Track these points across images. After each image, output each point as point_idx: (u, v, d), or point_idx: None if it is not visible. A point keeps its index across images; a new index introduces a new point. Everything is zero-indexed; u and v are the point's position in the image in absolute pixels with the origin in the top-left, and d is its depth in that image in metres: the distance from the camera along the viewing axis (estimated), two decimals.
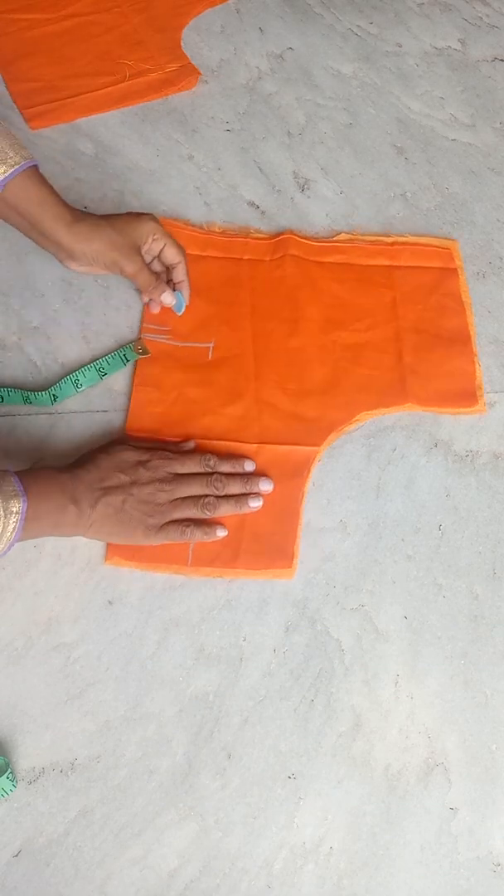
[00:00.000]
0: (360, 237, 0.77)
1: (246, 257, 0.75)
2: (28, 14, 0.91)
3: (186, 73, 0.88)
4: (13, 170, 0.60)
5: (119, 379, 0.67)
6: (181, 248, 0.68)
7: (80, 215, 0.64)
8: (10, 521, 0.51)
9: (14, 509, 0.51)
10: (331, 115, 0.88)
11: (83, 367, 0.67)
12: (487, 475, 0.65)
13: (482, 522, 0.63)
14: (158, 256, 0.68)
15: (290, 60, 0.92)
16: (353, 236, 0.77)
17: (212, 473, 0.61)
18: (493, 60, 0.95)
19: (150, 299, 0.69)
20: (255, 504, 0.61)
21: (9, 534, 0.51)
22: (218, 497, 0.60)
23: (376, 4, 0.99)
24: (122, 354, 0.68)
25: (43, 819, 0.51)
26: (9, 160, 0.60)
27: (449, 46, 0.95)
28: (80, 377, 0.66)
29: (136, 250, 0.65)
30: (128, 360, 0.68)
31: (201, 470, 0.61)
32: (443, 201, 0.81)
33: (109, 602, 0.58)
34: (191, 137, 0.84)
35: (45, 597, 0.58)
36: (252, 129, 0.86)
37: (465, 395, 0.68)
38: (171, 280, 0.69)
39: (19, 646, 0.56)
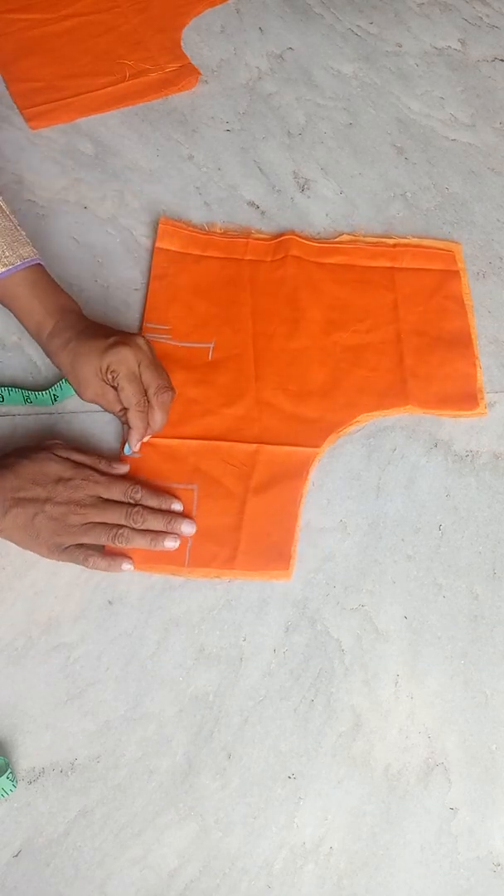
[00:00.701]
0: (362, 238, 0.77)
1: (247, 258, 0.75)
2: (28, 14, 0.91)
3: (186, 73, 0.88)
4: (4, 270, 0.60)
5: None
6: (137, 394, 0.59)
7: (60, 329, 0.61)
8: None
9: None
10: (331, 115, 0.88)
11: None
12: (487, 475, 0.65)
13: (482, 522, 0.63)
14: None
15: (290, 60, 0.92)
16: (354, 237, 0.77)
17: (134, 505, 0.58)
18: (493, 60, 0.95)
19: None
20: (171, 544, 0.58)
21: None
22: (133, 530, 0.57)
23: (376, 4, 0.99)
24: None
25: (43, 819, 0.51)
26: (3, 259, 0.60)
27: (449, 46, 0.95)
28: None
29: (91, 382, 0.60)
30: None
31: (124, 499, 0.58)
32: (443, 201, 0.81)
33: (109, 602, 0.58)
34: (191, 137, 0.84)
35: (45, 597, 0.58)
36: (252, 129, 0.86)
37: (466, 397, 0.68)
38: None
39: (19, 646, 0.56)
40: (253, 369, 0.68)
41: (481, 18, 0.99)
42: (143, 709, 0.55)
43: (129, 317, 0.71)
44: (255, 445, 0.65)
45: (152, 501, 0.60)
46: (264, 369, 0.69)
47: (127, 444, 0.62)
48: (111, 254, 0.75)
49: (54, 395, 0.65)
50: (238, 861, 0.51)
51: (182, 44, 0.91)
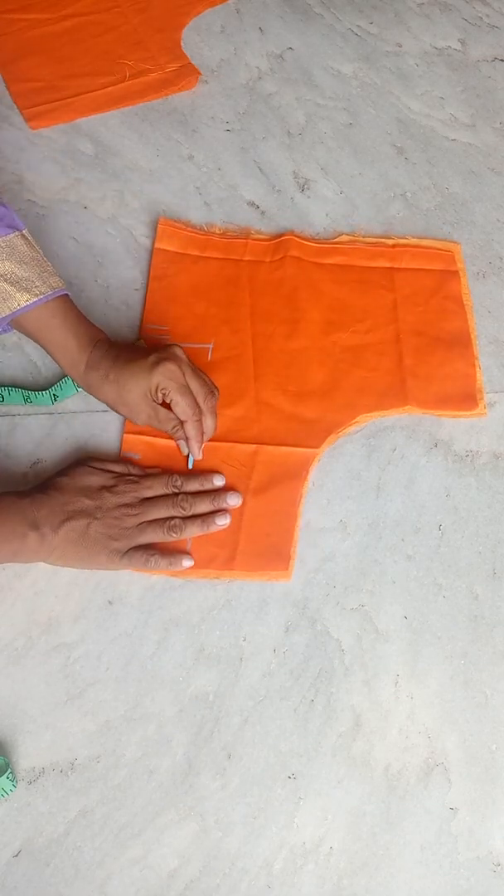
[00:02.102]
0: (361, 238, 0.77)
1: (246, 258, 0.75)
2: (28, 14, 0.91)
3: (186, 73, 0.88)
4: (36, 300, 0.59)
5: None
6: (202, 399, 0.60)
7: (96, 361, 0.60)
8: None
9: None
10: (331, 115, 0.88)
11: None
12: (487, 475, 0.65)
13: (482, 522, 0.63)
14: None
15: (290, 60, 0.92)
16: (353, 238, 0.77)
17: (178, 494, 0.59)
18: (493, 60, 0.95)
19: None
20: (222, 522, 0.60)
21: None
22: (184, 518, 0.59)
23: (376, 4, 0.99)
24: None
25: (43, 819, 0.51)
26: (33, 289, 0.59)
27: (449, 46, 0.95)
28: None
29: (142, 406, 0.60)
30: None
31: (168, 491, 0.60)
32: (443, 201, 0.81)
33: (109, 602, 0.58)
34: (191, 137, 0.84)
35: (45, 597, 0.58)
36: (252, 129, 0.86)
37: (466, 398, 0.68)
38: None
39: (19, 646, 0.56)
40: (252, 370, 0.68)
41: (481, 18, 0.99)
42: (143, 709, 0.55)
43: (129, 317, 0.71)
44: (254, 446, 0.65)
45: (194, 484, 0.61)
46: (263, 370, 0.69)
47: (190, 457, 0.63)
48: (111, 254, 0.75)
49: (54, 394, 0.65)
50: (238, 861, 0.51)
51: (182, 44, 0.91)
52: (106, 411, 0.66)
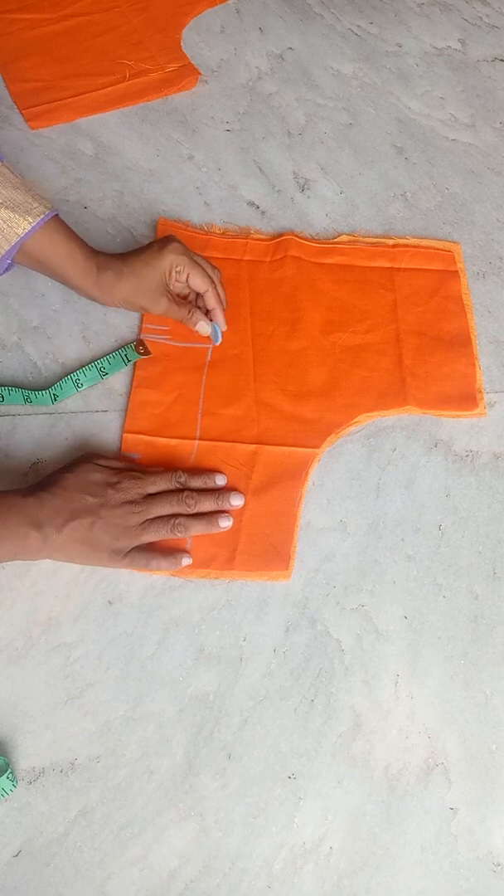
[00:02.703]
0: (361, 238, 0.77)
1: (246, 258, 0.75)
2: (28, 14, 0.91)
3: (186, 73, 0.88)
4: (38, 220, 0.60)
5: (119, 379, 0.67)
6: (210, 272, 0.66)
7: (105, 263, 0.64)
8: None
9: None
10: (331, 115, 0.88)
11: (84, 366, 0.67)
12: (487, 475, 0.65)
13: (482, 522, 0.63)
14: (186, 282, 0.66)
15: (290, 60, 0.92)
16: (353, 238, 0.77)
17: (182, 490, 0.59)
18: (493, 60, 0.95)
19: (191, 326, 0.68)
20: (226, 524, 0.59)
21: None
22: (189, 516, 0.59)
23: (376, 4, 0.99)
24: (123, 354, 0.68)
25: (43, 819, 0.51)
26: (33, 210, 0.60)
27: (449, 46, 0.95)
28: (81, 377, 0.66)
29: (161, 290, 0.64)
30: (129, 361, 0.68)
31: (172, 487, 0.59)
32: (443, 201, 0.81)
33: (109, 602, 0.58)
34: (191, 137, 0.84)
35: (45, 597, 0.58)
36: (252, 129, 0.86)
37: (466, 398, 0.68)
38: (203, 307, 0.68)
39: (19, 646, 0.56)
40: (252, 370, 0.68)
41: (481, 18, 0.99)
42: (143, 709, 0.55)
43: (129, 317, 0.71)
44: (254, 446, 0.65)
45: (197, 482, 0.61)
46: (263, 370, 0.69)
47: (217, 331, 0.66)
48: None
49: (54, 394, 0.65)
50: (238, 861, 0.51)
51: (182, 44, 0.91)
52: (106, 411, 0.66)
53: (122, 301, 0.65)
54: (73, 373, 0.66)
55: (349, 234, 0.77)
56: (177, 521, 0.58)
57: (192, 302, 0.68)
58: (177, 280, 0.65)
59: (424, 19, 0.98)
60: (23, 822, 0.51)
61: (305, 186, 0.81)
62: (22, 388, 0.66)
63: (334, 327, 0.71)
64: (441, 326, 0.72)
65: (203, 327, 0.66)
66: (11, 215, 0.59)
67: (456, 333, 0.72)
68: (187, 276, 0.65)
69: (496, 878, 0.51)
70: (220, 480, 0.62)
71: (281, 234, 0.76)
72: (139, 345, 0.68)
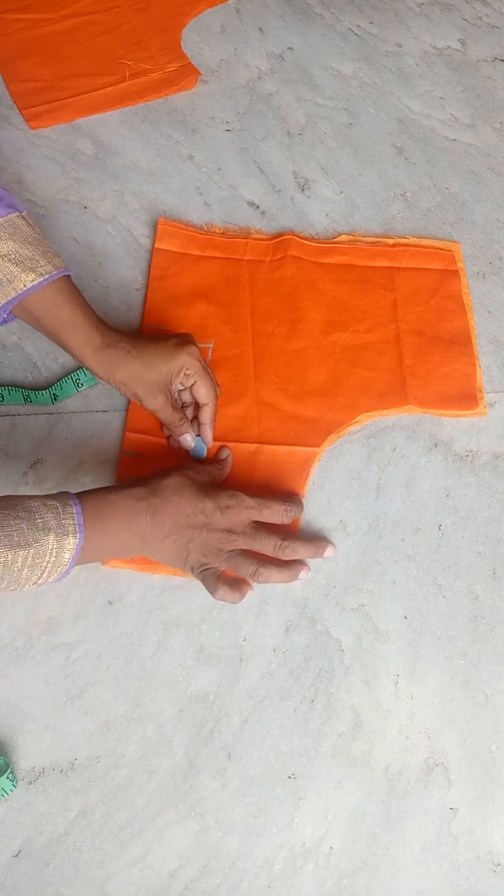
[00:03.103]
0: (361, 238, 0.77)
1: (246, 258, 0.75)
2: (28, 14, 0.91)
3: (186, 73, 0.88)
4: (42, 279, 0.57)
5: None
6: (213, 387, 0.62)
7: (112, 340, 0.59)
8: (64, 557, 0.49)
9: (69, 546, 0.49)
10: (331, 115, 0.88)
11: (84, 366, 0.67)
12: (487, 475, 0.65)
13: (482, 522, 0.63)
14: (190, 389, 0.63)
15: (290, 60, 0.92)
16: (353, 237, 0.77)
17: (285, 539, 0.57)
18: (493, 60, 0.95)
19: (170, 435, 0.64)
20: (305, 576, 0.58)
21: (61, 567, 0.49)
22: (274, 566, 0.57)
23: (376, 4, 0.99)
24: None
25: (43, 819, 0.51)
26: (39, 269, 0.57)
27: (449, 46, 0.95)
28: (82, 376, 0.66)
29: (163, 386, 0.60)
30: None
31: (280, 520, 0.58)
32: (443, 201, 0.81)
33: (109, 602, 0.58)
34: (191, 137, 0.84)
35: (45, 597, 0.58)
36: (252, 129, 0.86)
37: (466, 397, 0.68)
38: (196, 418, 0.64)
39: (19, 646, 0.56)
40: (252, 369, 0.68)
41: (481, 18, 0.99)
42: (143, 709, 0.55)
43: (129, 317, 0.71)
44: (254, 445, 0.65)
45: (299, 516, 0.61)
46: (264, 369, 0.69)
47: (199, 446, 0.63)
48: (111, 254, 0.75)
49: (54, 394, 0.65)
50: (238, 861, 0.51)
51: (182, 44, 0.91)
52: (106, 411, 0.66)
53: (119, 383, 0.60)
54: (73, 372, 0.66)
55: (349, 234, 0.77)
56: (260, 570, 0.56)
57: (184, 410, 0.64)
58: (181, 383, 0.61)
59: (424, 19, 0.98)
60: (23, 822, 0.51)
61: (305, 186, 0.81)
62: (22, 388, 0.66)
63: (334, 327, 0.71)
64: (441, 326, 0.72)
65: (187, 441, 0.63)
66: (15, 270, 0.57)
67: (456, 333, 0.72)
68: (194, 384, 0.61)
69: (496, 878, 0.51)
70: (329, 552, 0.60)
71: (281, 234, 0.76)
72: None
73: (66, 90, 0.85)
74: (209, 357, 0.69)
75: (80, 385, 0.66)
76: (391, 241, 0.77)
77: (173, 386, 0.61)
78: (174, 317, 0.71)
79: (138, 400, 0.61)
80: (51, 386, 0.66)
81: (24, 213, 0.60)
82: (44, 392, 0.65)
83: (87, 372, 0.66)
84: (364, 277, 0.74)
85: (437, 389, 0.68)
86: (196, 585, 0.59)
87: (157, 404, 0.61)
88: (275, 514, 0.58)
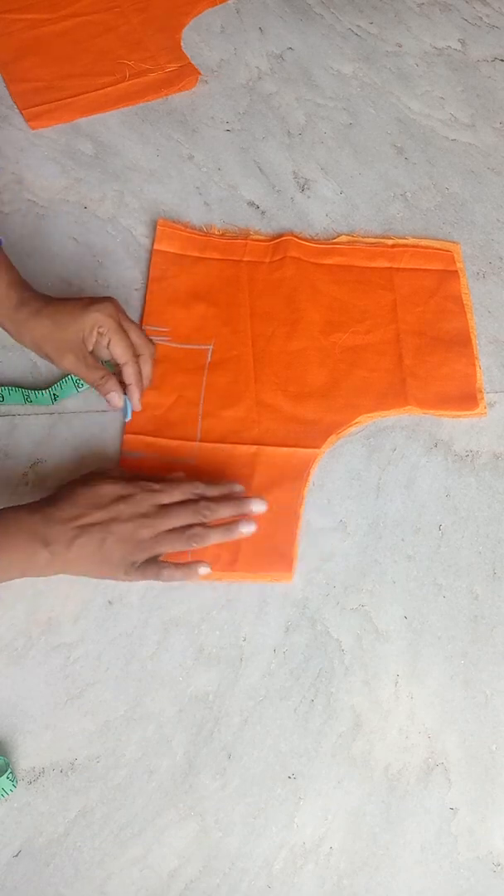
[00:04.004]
0: (361, 239, 0.77)
1: (245, 259, 0.75)
2: (28, 14, 0.91)
3: (186, 73, 0.88)
4: None
5: None
6: (140, 345, 0.60)
7: (27, 299, 0.59)
8: None
9: None
10: (331, 115, 0.88)
11: None
12: (487, 475, 0.65)
13: (482, 522, 0.63)
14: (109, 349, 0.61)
15: (290, 60, 0.92)
16: (353, 238, 0.77)
17: (199, 500, 0.56)
18: (493, 60, 0.95)
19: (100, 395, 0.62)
20: (248, 529, 0.56)
21: None
22: (206, 526, 0.55)
23: (376, 4, 0.99)
24: None
25: (43, 819, 0.51)
26: None
27: (449, 46, 0.95)
28: None
29: (73, 345, 0.59)
30: None
31: (188, 497, 0.57)
32: (443, 201, 0.81)
33: (109, 602, 0.58)
34: (191, 137, 0.84)
35: (45, 597, 0.58)
36: (252, 129, 0.86)
37: (466, 398, 0.68)
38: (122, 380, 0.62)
39: (19, 646, 0.56)
40: (252, 371, 0.68)
41: (481, 18, 0.99)
42: (143, 709, 0.55)
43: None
44: (254, 447, 0.64)
45: (214, 491, 0.58)
46: (263, 370, 0.68)
47: (127, 407, 0.61)
48: (111, 254, 0.75)
49: (54, 394, 0.65)
50: (238, 861, 0.51)
51: (182, 44, 0.91)
52: (106, 411, 0.66)
53: (31, 342, 0.59)
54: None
55: (349, 235, 0.77)
56: (193, 532, 0.55)
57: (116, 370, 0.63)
58: (98, 342, 0.60)
59: (424, 19, 0.98)
60: (23, 822, 0.51)
61: (305, 186, 0.81)
62: (22, 388, 0.66)
63: (334, 328, 0.71)
64: (441, 326, 0.72)
65: (114, 399, 0.61)
66: None
67: (456, 333, 0.72)
68: (108, 342, 0.59)
69: (496, 878, 0.51)
70: (239, 489, 0.59)
71: (281, 235, 0.76)
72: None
73: (66, 90, 0.85)
74: (208, 359, 0.69)
75: (80, 385, 0.66)
76: (390, 242, 0.77)
77: (88, 345, 0.59)
78: (173, 318, 0.71)
79: (50, 360, 0.60)
80: (51, 386, 0.66)
81: None
82: (44, 392, 0.65)
83: None
84: (363, 278, 0.74)
85: (436, 390, 0.68)
86: (196, 585, 0.59)
87: (66, 364, 0.59)
88: (180, 492, 0.56)
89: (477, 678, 0.57)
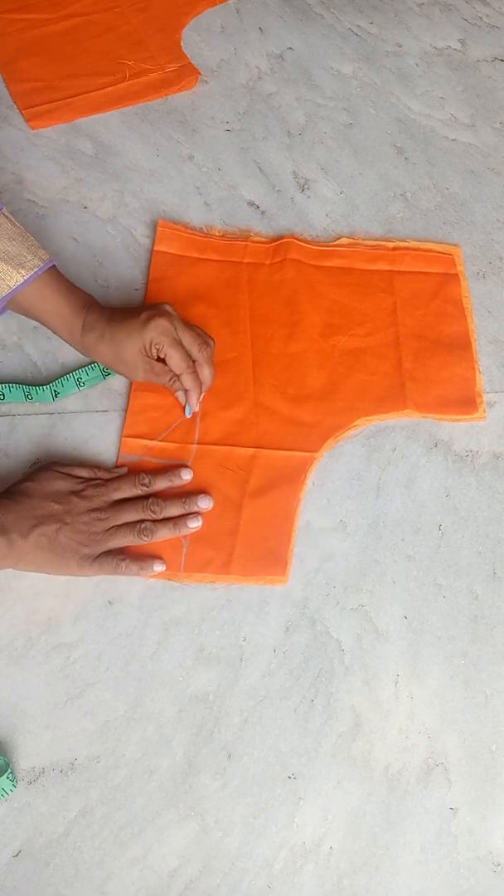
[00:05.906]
0: (361, 241, 0.77)
1: (245, 261, 0.75)
2: (28, 14, 0.91)
3: (186, 73, 0.88)
4: (30, 274, 0.60)
5: (120, 379, 0.67)
6: (196, 351, 0.62)
7: (91, 323, 0.61)
8: None
9: None
10: (331, 115, 0.88)
11: (86, 366, 0.67)
12: (487, 475, 0.65)
13: (482, 522, 0.63)
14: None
15: (290, 60, 0.92)
16: (353, 241, 0.77)
17: (148, 497, 0.59)
18: (493, 60, 0.95)
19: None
20: (194, 525, 0.59)
21: None
22: (155, 521, 0.58)
23: (376, 4, 0.99)
24: None
25: (43, 819, 0.51)
26: (26, 264, 0.60)
27: (449, 46, 0.95)
28: (84, 375, 0.66)
29: (138, 361, 0.61)
30: None
31: (137, 492, 0.60)
32: (443, 201, 0.81)
33: (109, 602, 0.58)
34: (191, 137, 0.84)
35: (45, 597, 0.58)
36: (252, 129, 0.86)
37: (465, 402, 0.68)
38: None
39: (19, 646, 0.56)
40: (251, 372, 0.68)
41: (481, 18, 0.99)
42: (143, 709, 0.55)
43: None
44: (252, 450, 0.64)
45: (162, 482, 0.61)
46: (262, 373, 0.68)
47: (188, 407, 0.64)
48: (111, 254, 0.75)
49: (55, 391, 0.66)
50: (238, 861, 0.51)
51: (182, 44, 0.91)
52: (106, 411, 0.66)
53: (102, 363, 0.64)
54: (75, 370, 0.66)
55: (349, 237, 0.77)
56: (143, 526, 0.58)
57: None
58: (158, 354, 0.62)
59: (424, 19, 0.98)
60: (23, 822, 0.51)
61: (305, 186, 0.81)
62: (23, 385, 0.66)
63: (334, 330, 0.71)
64: (441, 330, 0.72)
65: (181, 397, 0.64)
66: (5, 267, 0.59)
67: (456, 337, 0.72)
68: (166, 356, 0.61)
69: (496, 878, 0.51)
70: (186, 475, 0.62)
71: (281, 236, 0.76)
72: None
73: (66, 90, 0.85)
74: None
75: (81, 384, 0.66)
76: (391, 245, 0.77)
77: (151, 357, 0.62)
78: None
79: (127, 377, 0.64)
80: (51, 382, 0.66)
81: (3, 210, 0.61)
82: (44, 388, 0.65)
83: (89, 371, 0.66)
84: (364, 281, 0.74)
85: (436, 394, 0.68)
86: (195, 586, 0.59)
87: (139, 376, 0.63)
88: (129, 485, 0.59)
89: (477, 678, 0.57)
